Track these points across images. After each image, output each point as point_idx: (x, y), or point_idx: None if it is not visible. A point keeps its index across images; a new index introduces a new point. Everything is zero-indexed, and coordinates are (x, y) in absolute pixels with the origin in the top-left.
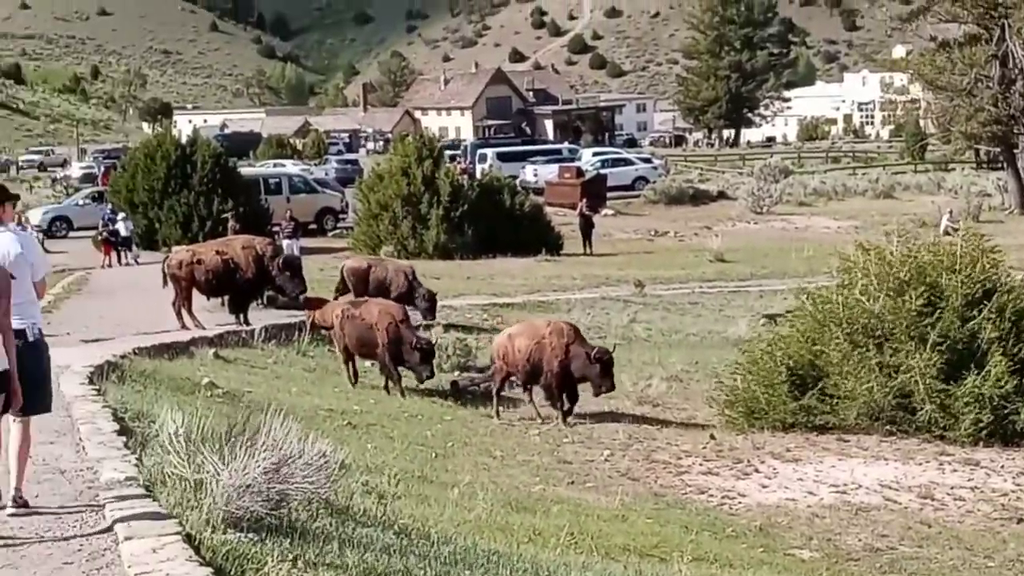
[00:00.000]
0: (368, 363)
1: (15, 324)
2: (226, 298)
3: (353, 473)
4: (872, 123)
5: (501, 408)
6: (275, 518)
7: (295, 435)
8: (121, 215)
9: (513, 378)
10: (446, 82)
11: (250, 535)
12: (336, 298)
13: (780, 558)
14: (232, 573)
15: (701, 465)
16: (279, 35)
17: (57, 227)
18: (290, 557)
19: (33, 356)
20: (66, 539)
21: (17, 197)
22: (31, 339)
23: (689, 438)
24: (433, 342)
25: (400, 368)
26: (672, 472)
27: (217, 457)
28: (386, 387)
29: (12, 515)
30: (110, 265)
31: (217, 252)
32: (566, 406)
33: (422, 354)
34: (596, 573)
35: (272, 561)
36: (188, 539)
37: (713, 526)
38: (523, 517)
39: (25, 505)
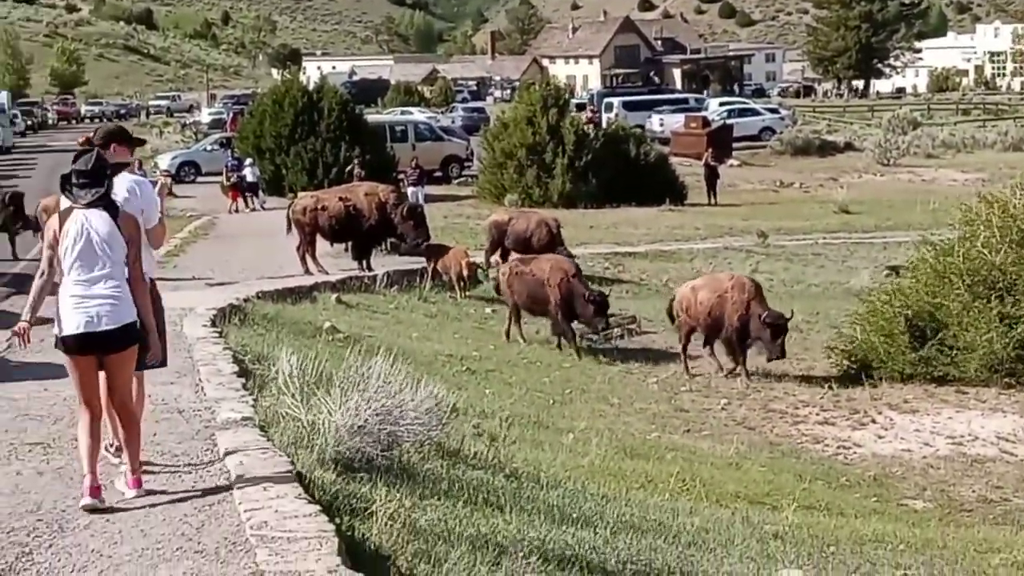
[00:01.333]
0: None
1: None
2: (349, 244)
3: (467, 417)
4: (1004, 74)
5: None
6: (386, 459)
7: (408, 378)
8: (248, 160)
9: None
10: (574, 30)
11: (361, 475)
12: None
13: (893, 508)
14: (341, 511)
15: (818, 415)
16: None
17: (185, 172)
18: (397, 497)
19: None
20: (181, 476)
21: (141, 142)
22: None
23: (807, 388)
24: (606, 293)
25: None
26: (788, 421)
27: (330, 399)
28: (559, 344)
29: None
30: (237, 210)
31: (341, 199)
32: (747, 360)
33: (596, 306)
34: (703, 518)
35: (380, 500)
36: (299, 478)
37: (827, 475)
38: (636, 463)
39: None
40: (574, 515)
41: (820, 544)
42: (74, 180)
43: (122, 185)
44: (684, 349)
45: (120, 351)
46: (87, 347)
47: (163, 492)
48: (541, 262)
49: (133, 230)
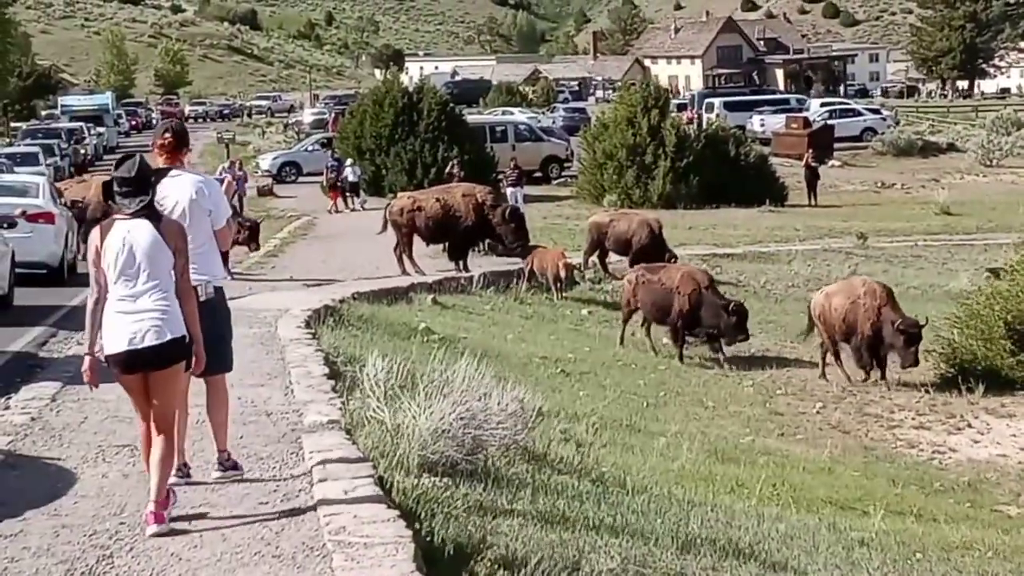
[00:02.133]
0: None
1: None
2: (446, 244)
3: (558, 420)
4: None
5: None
6: (470, 463)
7: (493, 381)
8: (349, 161)
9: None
10: (676, 30)
11: (444, 480)
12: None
13: (986, 514)
14: (421, 516)
15: (913, 419)
16: None
17: (286, 172)
18: (478, 502)
19: (206, 316)
20: (264, 480)
21: (185, 142)
22: (203, 298)
23: (903, 392)
24: (743, 302)
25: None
26: (884, 426)
27: (415, 402)
28: (680, 356)
29: (219, 479)
30: (338, 210)
31: (437, 199)
32: (873, 369)
33: (738, 318)
34: (789, 524)
35: (461, 505)
36: (380, 482)
37: (921, 480)
38: (727, 468)
39: (234, 467)
40: (658, 521)
41: (907, 551)
42: (117, 188)
43: (188, 185)
44: (824, 356)
45: (165, 368)
46: (132, 365)
47: (246, 494)
48: (670, 271)
49: (179, 239)
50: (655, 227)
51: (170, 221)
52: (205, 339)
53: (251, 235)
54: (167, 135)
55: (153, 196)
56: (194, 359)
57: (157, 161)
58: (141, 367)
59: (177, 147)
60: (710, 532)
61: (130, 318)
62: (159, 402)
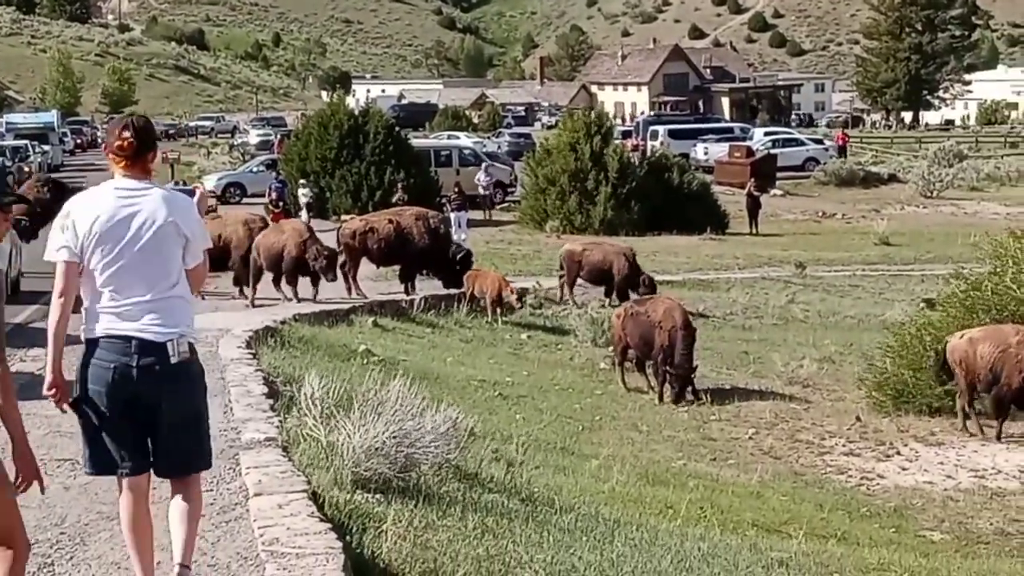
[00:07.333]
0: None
1: (151, 334)
2: (396, 268)
3: (492, 441)
4: None
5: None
6: (402, 480)
7: (426, 401)
8: (302, 181)
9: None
10: (623, 57)
11: (377, 496)
12: (561, 281)
13: (910, 539)
14: (353, 531)
15: (844, 446)
16: (459, 6)
17: (231, 193)
18: (408, 517)
19: (178, 385)
20: (203, 495)
21: (152, 144)
22: (174, 359)
23: (835, 419)
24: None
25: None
26: (815, 452)
27: (349, 420)
28: (660, 396)
29: None
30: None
31: (390, 221)
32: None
33: (683, 376)
34: (711, 544)
35: (391, 520)
36: (313, 497)
37: (848, 506)
38: (657, 490)
39: None
40: (584, 539)
41: (824, 571)
42: None
43: (159, 204)
44: (963, 408)
45: None
46: None
47: None
48: (656, 304)
49: None
50: (630, 256)
51: None
52: (178, 417)
53: (329, 264)
54: (127, 134)
55: None
56: (24, 472)
57: (114, 169)
58: None
59: (140, 150)
60: (633, 550)
61: None
62: None
